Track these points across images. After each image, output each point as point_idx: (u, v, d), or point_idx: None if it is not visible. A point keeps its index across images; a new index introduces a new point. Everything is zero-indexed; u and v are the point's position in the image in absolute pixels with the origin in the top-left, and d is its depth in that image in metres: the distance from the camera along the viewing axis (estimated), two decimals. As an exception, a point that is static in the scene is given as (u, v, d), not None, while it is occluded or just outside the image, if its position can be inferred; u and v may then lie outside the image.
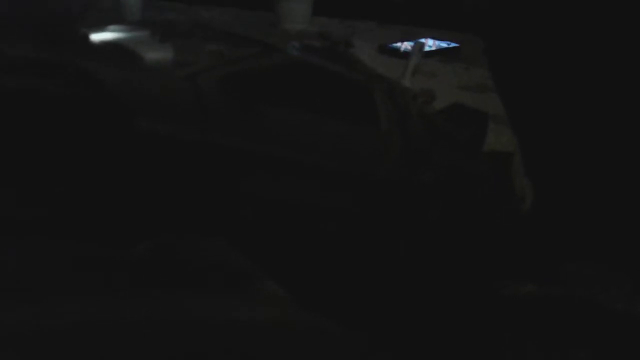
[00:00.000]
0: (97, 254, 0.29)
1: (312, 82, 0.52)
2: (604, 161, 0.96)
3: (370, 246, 0.47)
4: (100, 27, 0.54)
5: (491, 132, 0.89)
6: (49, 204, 0.35)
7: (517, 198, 0.67)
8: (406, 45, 1.26)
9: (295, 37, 1.27)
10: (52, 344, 0.21)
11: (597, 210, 0.79)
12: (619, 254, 0.66)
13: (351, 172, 0.48)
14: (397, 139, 0.52)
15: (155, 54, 0.52)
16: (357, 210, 0.46)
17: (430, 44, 1.29)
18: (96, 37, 0.51)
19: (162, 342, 0.23)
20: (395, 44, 1.24)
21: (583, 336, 0.49)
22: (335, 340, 0.27)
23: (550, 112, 1.09)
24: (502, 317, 0.49)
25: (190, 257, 0.33)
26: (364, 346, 0.28)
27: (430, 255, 0.50)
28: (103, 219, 0.36)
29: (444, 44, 1.27)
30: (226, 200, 0.42)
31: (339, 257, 0.44)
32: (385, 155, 0.51)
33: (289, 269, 0.38)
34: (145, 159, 0.40)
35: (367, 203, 0.47)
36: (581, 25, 1.28)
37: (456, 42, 1.28)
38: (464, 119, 0.66)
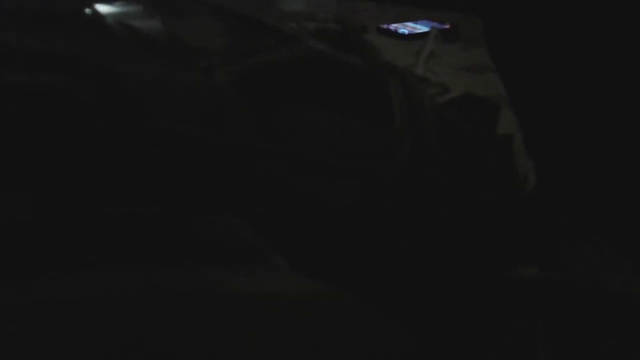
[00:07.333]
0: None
1: (329, 77, 0.53)
2: (607, 141, 0.96)
3: (377, 236, 0.48)
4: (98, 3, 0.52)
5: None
6: (60, 208, 0.34)
7: (519, 180, 0.68)
8: (404, 27, 1.25)
9: (292, 18, 1.26)
10: (56, 319, 0.21)
11: (600, 191, 0.79)
12: (621, 233, 0.67)
13: (362, 168, 0.49)
14: (409, 136, 0.53)
15: (165, 35, 0.51)
16: (367, 203, 0.48)
17: (428, 24, 1.29)
18: (99, 16, 0.49)
19: (167, 313, 0.23)
20: (393, 25, 1.23)
21: (588, 321, 0.49)
22: (348, 309, 0.27)
23: (552, 93, 1.09)
24: (506, 302, 0.50)
25: (199, 231, 0.33)
26: (381, 317, 0.28)
27: (437, 245, 0.51)
28: (117, 221, 0.35)
29: (441, 24, 1.26)
30: (240, 192, 0.43)
31: (346, 243, 0.45)
32: (396, 152, 0.52)
33: (296, 249, 0.39)
34: (161, 158, 0.40)
35: (377, 197, 0.48)
36: (582, 2, 1.27)
37: (454, 22, 1.27)
38: (475, 111, 0.69)
